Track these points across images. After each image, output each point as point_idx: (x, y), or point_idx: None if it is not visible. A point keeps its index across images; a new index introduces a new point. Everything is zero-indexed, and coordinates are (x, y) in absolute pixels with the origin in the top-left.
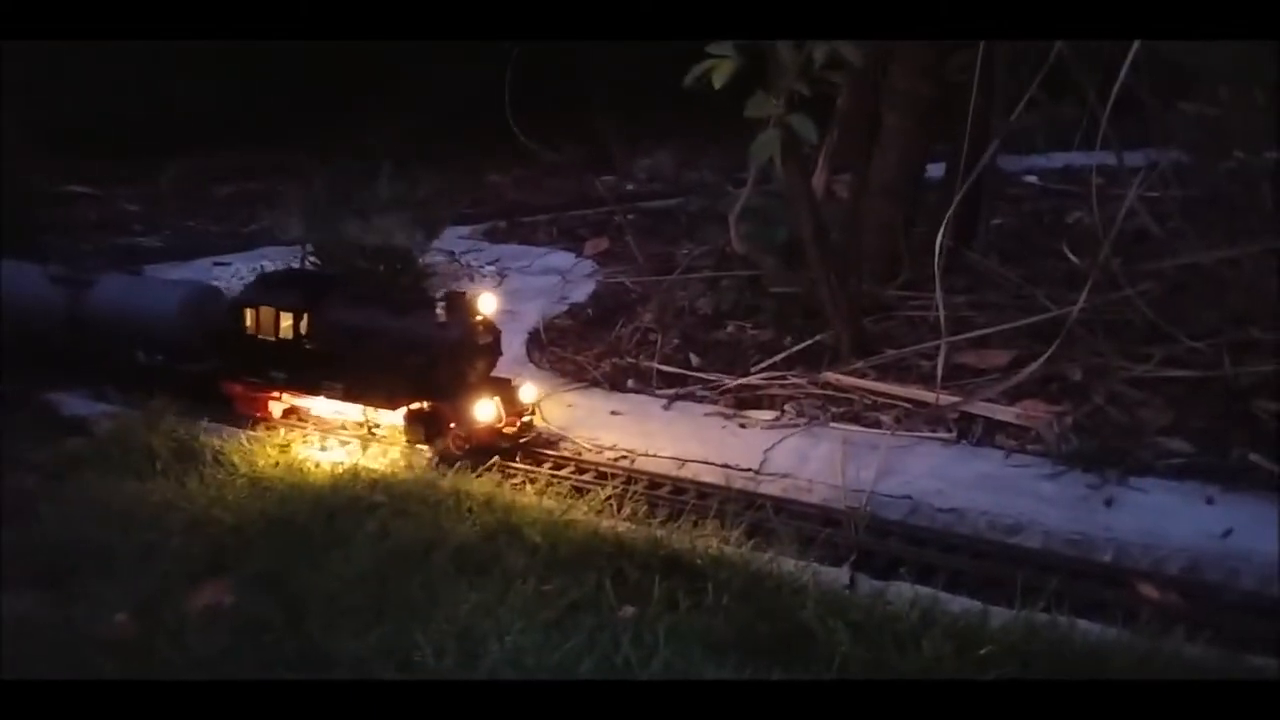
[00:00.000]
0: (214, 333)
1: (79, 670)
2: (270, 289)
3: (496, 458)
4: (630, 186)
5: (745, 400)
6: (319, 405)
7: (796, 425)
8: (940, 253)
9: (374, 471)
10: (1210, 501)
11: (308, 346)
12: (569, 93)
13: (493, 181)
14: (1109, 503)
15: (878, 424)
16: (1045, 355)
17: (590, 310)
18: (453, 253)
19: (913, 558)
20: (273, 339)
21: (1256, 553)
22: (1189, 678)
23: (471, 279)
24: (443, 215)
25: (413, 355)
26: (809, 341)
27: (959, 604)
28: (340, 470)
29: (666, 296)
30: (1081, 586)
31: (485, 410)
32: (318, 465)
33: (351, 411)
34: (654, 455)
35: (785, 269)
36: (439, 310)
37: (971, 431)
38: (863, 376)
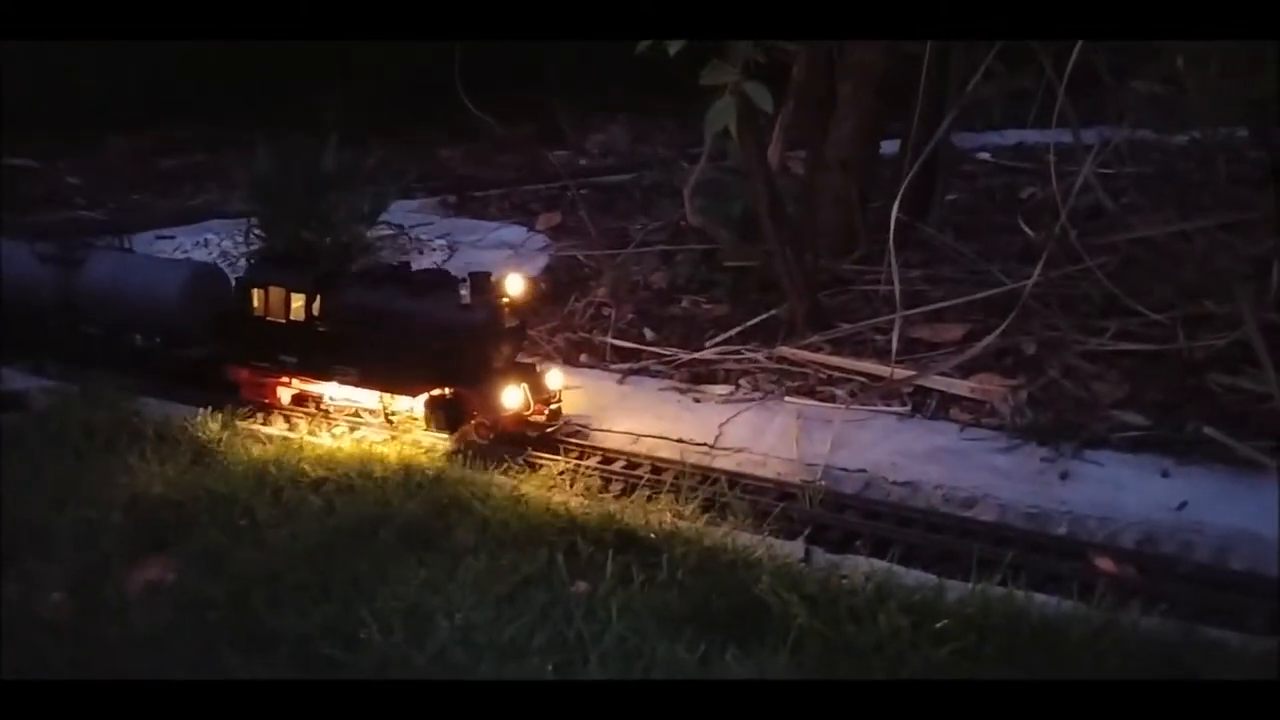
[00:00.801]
0: (219, 315)
1: (15, 650)
2: (280, 268)
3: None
4: (583, 161)
5: (700, 375)
6: (332, 391)
7: (751, 400)
8: (894, 226)
9: (320, 446)
10: (1165, 474)
11: (320, 329)
12: (521, 66)
13: (443, 155)
14: (1064, 476)
15: (832, 398)
16: (1000, 329)
17: (542, 285)
18: (402, 226)
19: (868, 531)
20: (283, 321)
21: (1211, 525)
22: (1145, 650)
23: (421, 252)
24: (391, 188)
25: (435, 339)
26: (764, 316)
27: (914, 577)
28: (285, 445)
29: (620, 271)
30: (1037, 559)
31: (513, 397)
32: (263, 441)
33: (367, 398)
34: (608, 430)
35: (740, 243)
36: (463, 291)
37: (926, 405)
38: (818, 351)
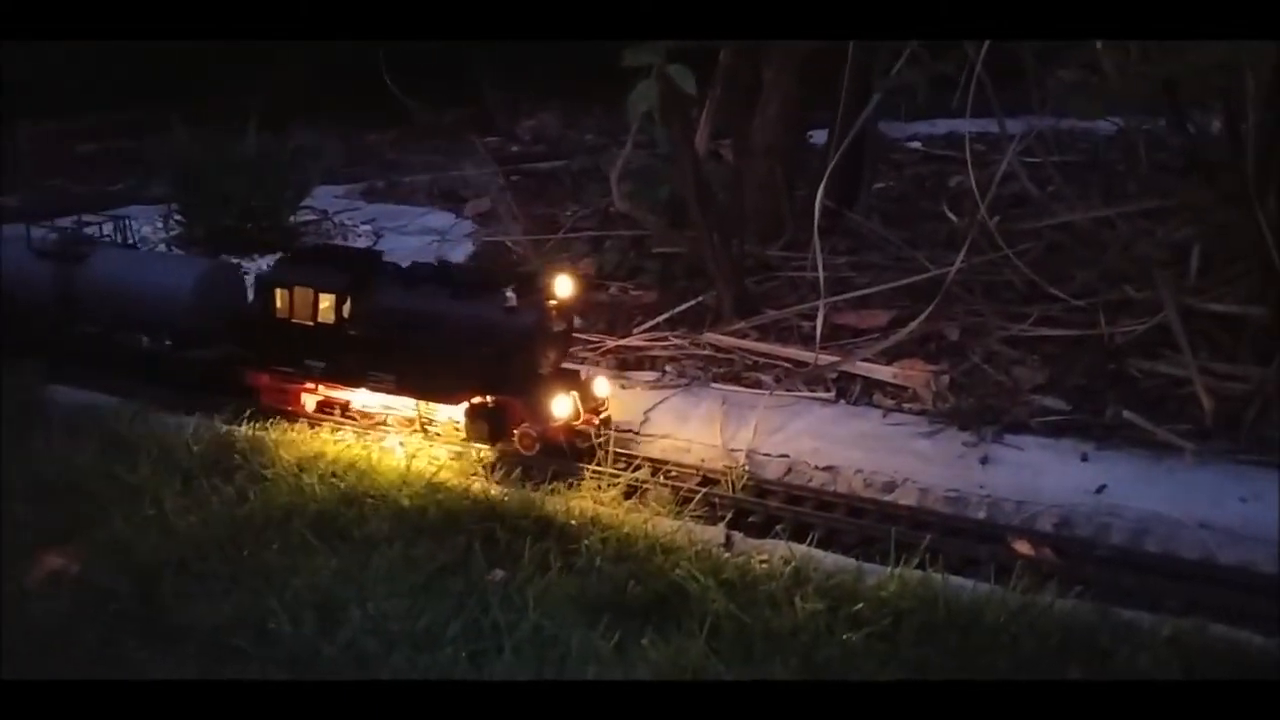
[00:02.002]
0: (235, 315)
1: None
2: (307, 266)
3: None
4: (515, 148)
5: (627, 361)
6: (362, 398)
7: (677, 385)
8: (819, 212)
9: (234, 433)
10: (1085, 458)
11: (351, 332)
12: (451, 51)
13: (371, 141)
14: (985, 460)
15: (758, 384)
16: (923, 315)
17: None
18: (325, 211)
19: (789, 516)
20: (310, 324)
21: (1128, 508)
22: (1060, 631)
23: (345, 238)
24: (313, 173)
25: (478, 344)
26: (691, 302)
27: (833, 561)
28: (198, 432)
29: (548, 257)
30: (955, 543)
31: (562, 406)
32: (176, 428)
33: (401, 406)
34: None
35: (668, 229)
36: (509, 294)
37: (850, 391)
38: (744, 337)
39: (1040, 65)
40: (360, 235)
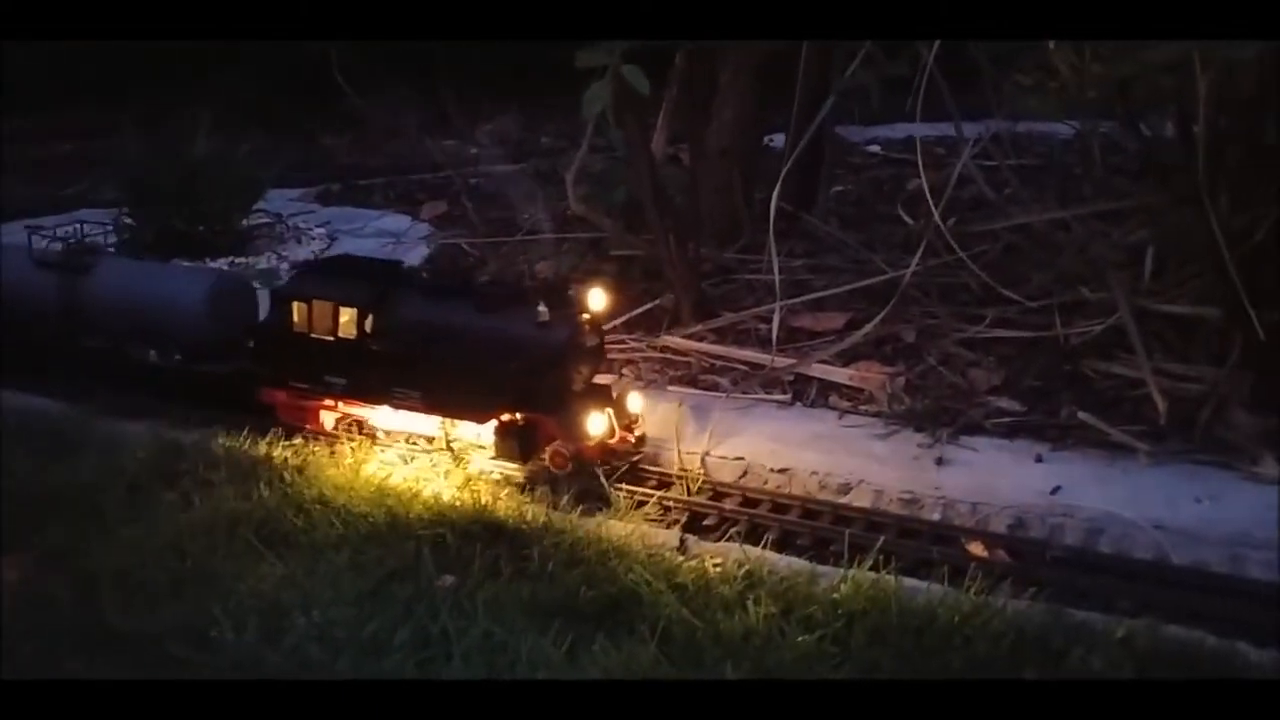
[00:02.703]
0: (248, 329)
1: None
2: (327, 279)
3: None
4: (474, 150)
5: None
6: (383, 416)
7: (634, 389)
8: (774, 215)
9: (180, 439)
10: (1039, 460)
11: (374, 348)
12: (409, 52)
13: (327, 143)
14: (940, 462)
15: (715, 387)
16: (879, 317)
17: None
18: (280, 215)
19: (744, 518)
20: (330, 339)
21: (1083, 509)
22: (1012, 632)
23: (299, 241)
24: (265, 175)
25: (508, 360)
26: (649, 305)
27: (787, 564)
28: (144, 438)
29: (506, 260)
30: (910, 545)
31: (597, 423)
32: (123, 434)
33: (425, 424)
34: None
35: (625, 232)
36: (541, 308)
37: (806, 393)
38: (701, 339)
39: (996, 68)
40: (315, 238)
